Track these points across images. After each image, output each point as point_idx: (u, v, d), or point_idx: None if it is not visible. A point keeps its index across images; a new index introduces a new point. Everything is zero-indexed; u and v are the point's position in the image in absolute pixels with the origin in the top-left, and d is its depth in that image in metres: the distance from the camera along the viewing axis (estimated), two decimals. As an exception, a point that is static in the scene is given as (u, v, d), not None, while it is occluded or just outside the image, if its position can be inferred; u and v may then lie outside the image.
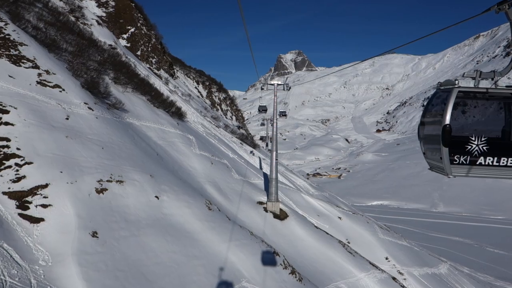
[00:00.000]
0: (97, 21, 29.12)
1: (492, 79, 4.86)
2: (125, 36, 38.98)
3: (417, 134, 5.77)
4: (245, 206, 14.72)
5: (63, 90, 12.05)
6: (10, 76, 10.74)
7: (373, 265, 14.52)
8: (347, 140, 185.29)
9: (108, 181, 9.57)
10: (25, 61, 12.00)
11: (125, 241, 8.43)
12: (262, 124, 59.42)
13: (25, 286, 6.27)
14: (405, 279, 15.41)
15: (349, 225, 18.33)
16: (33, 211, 8.02)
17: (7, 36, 12.27)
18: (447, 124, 4.67)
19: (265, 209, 15.31)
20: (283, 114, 43.93)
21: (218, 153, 19.80)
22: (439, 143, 4.81)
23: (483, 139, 4.79)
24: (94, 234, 8.09)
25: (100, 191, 9.21)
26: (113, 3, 40.27)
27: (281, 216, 15.33)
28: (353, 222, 18.82)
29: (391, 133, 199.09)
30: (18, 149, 8.84)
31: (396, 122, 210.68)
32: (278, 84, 17.95)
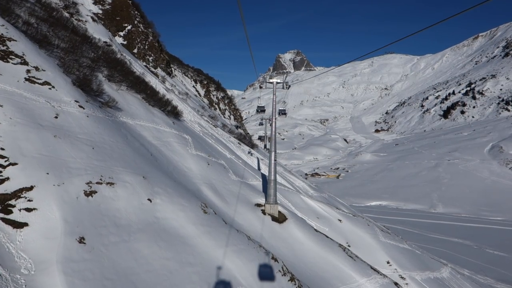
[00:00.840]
0: (92, 17, 28.53)
1: None
2: (121, 33, 38.39)
3: None
4: (242, 208, 14.23)
5: (53, 87, 11.53)
6: (-4, 73, 10.22)
7: (375, 269, 14.07)
8: (345, 140, 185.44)
9: (98, 183, 9.07)
10: (13, 57, 11.46)
11: (115, 248, 7.94)
12: (261, 124, 58.83)
13: (3, 298, 5.79)
14: (407, 283, 14.95)
15: (349, 227, 17.86)
16: (16, 215, 7.50)
17: (-6, 31, 11.75)
18: None
19: (263, 212, 14.82)
20: (283, 113, 43.24)
21: (215, 153, 19.30)
22: None
23: None
24: (81, 240, 7.60)
25: (89, 193, 8.70)
26: (109, 0, 39.68)
27: (279, 219, 14.84)
28: (353, 225, 18.36)
29: (389, 133, 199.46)
30: (2, 149, 8.32)
31: (395, 122, 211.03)
32: (277, 83, 17.24)
